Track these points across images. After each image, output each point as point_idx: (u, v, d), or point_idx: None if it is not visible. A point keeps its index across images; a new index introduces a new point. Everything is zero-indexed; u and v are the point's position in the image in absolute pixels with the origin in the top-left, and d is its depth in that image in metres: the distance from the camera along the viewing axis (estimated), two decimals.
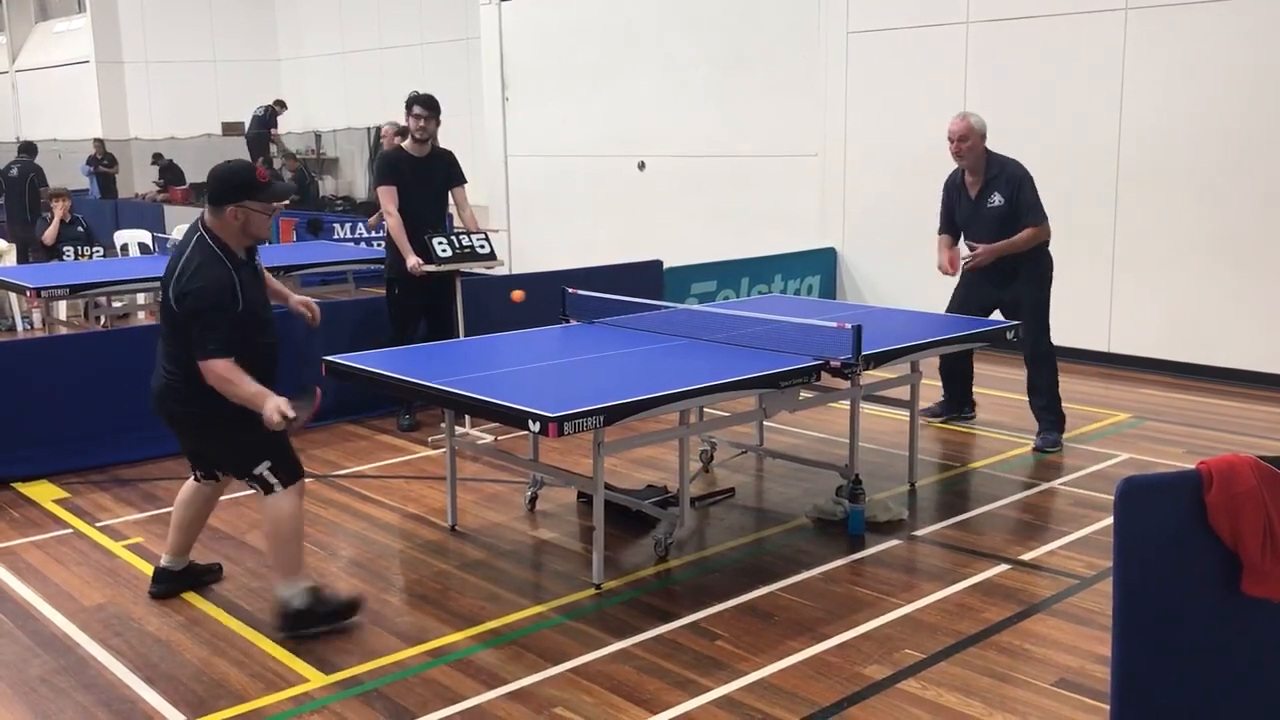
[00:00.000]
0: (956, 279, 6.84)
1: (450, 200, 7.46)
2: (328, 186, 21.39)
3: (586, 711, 3.76)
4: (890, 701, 3.80)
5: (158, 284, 9.44)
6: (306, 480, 4.53)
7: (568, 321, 6.18)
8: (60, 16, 25.70)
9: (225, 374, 4.15)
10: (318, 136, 22.01)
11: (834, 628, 4.33)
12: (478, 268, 7.14)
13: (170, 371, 4.33)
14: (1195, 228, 8.35)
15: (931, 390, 7.00)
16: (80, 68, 23.30)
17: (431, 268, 6.80)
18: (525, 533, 5.47)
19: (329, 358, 5.15)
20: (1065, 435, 6.70)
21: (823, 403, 5.98)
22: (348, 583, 4.84)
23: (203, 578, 4.84)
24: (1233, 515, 2.61)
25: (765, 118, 11.17)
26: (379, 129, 11.84)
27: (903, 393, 5.94)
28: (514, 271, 12.32)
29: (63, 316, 9.92)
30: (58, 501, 6.02)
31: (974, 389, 7.25)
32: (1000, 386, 7.72)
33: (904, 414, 6.09)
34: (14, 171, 13.39)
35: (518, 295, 6.30)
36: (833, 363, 4.99)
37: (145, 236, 13.07)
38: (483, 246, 6.98)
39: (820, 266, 10.53)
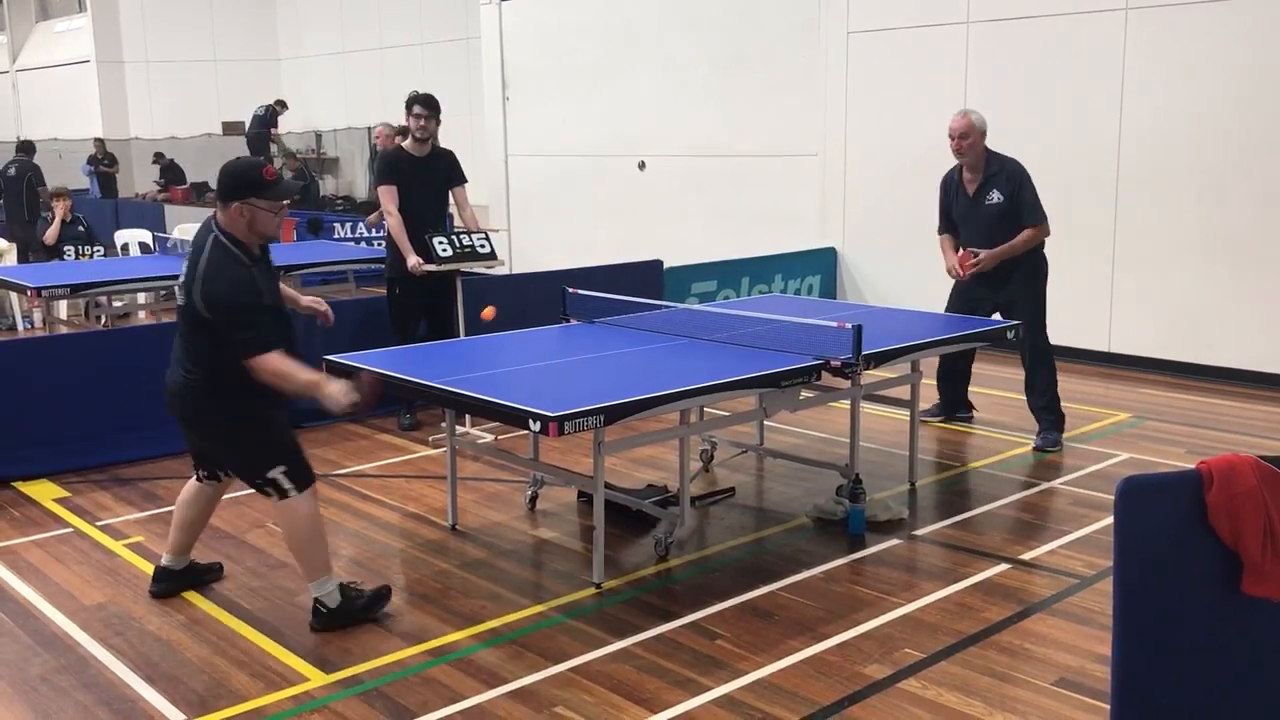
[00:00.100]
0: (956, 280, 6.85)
1: (451, 200, 7.47)
2: (328, 186, 21.40)
3: (587, 711, 3.76)
4: (890, 701, 3.80)
5: (158, 283, 9.59)
6: None
7: (568, 321, 6.18)
8: (61, 16, 25.70)
9: (277, 367, 4.14)
10: (318, 136, 22.02)
11: (834, 627, 4.33)
12: (478, 267, 7.14)
13: (190, 371, 4.30)
14: (1195, 227, 8.35)
15: (932, 390, 7.01)
16: (81, 67, 23.30)
17: (432, 267, 6.80)
18: (526, 532, 5.48)
19: (329, 357, 5.15)
20: (1065, 435, 6.71)
21: (823, 402, 5.99)
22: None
23: (203, 577, 4.84)
24: (1233, 515, 2.61)
25: (765, 117, 11.17)
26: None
27: (903, 392, 5.94)
28: (514, 271, 12.33)
29: (63, 316, 9.92)
30: (58, 501, 6.02)
31: (974, 389, 7.25)
32: (1000, 386, 7.72)
33: (904, 414, 6.09)
34: (12, 171, 13.39)
35: (488, 313, 6.19)
36: (833, 362, 4.99)
37: (146, 236, 13.06)
38: (483, 246, 6.98)
39: (820, 266, 10.53)
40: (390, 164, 7.25)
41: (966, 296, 6.73)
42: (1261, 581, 2.65)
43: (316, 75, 22.40)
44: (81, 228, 11.47)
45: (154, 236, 12.31)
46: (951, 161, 6.72)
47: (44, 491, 6.16)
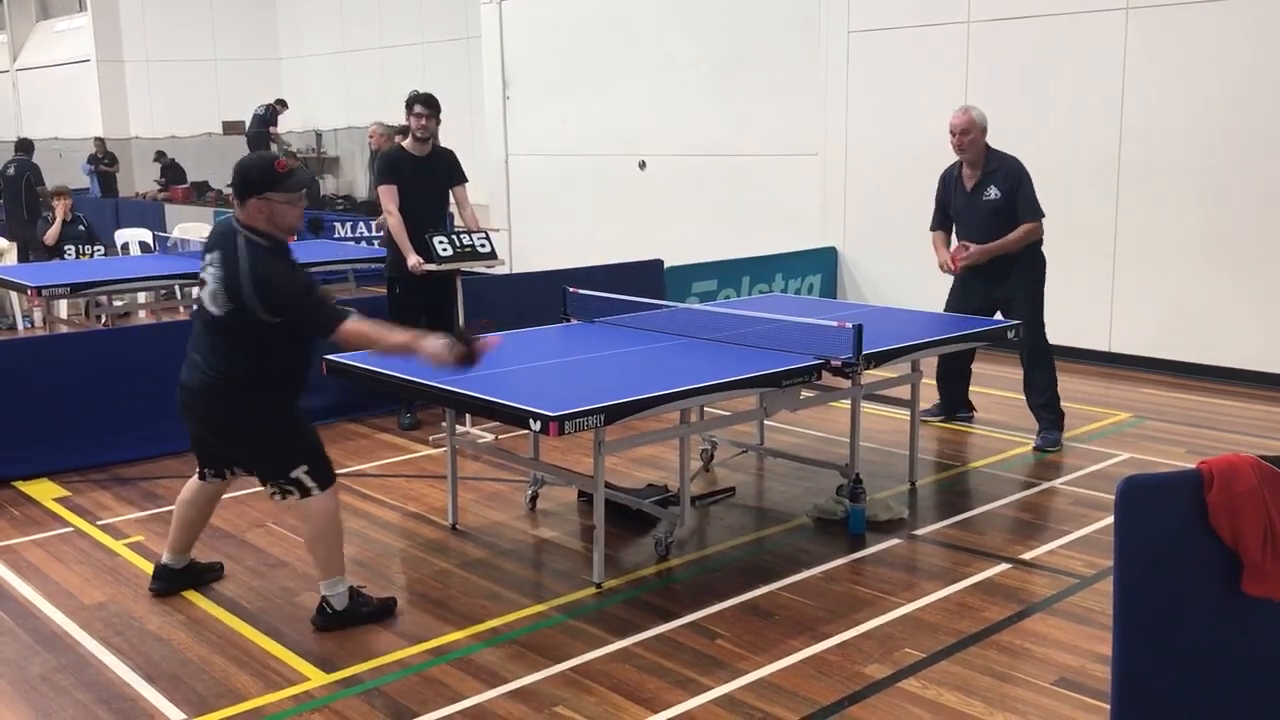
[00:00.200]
0: (953, 279, 6.86)
1: (451, 199, 7.47)
2: (328, 185, 21.39)
3: (587, 710, 3.76)
4: (891, 701, 3.80)
5: (158, 283, 9.57)
6: None
7: (569, 321, 6.18)
8: (61, 15, 25.68)
9: (363, 330, 4.15)
10: (318, 135, 22.02)
11: (834, 627, 4.33)
12: (478, 267, 7.14)
13: (217, 372, 4.25)
14: (1195, 227, 8.35)
15: (932, 390, 7.01)
16: (81, 66, 23.29)
17: (432, 266, 6.80)
18: (526, 532, 5.48)
19: (329, 357, 5.15)
20: (1066, 435, 6.70)
21: (823, 402, 5.99)
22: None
23: (204, 576, 4.84)
24: (1233, 515, 2.61)
25: (766, 117, 11.17)
26: None
27: (903, 392, 5.94)
28: (514, 270, 12.33)
29: (63, 315, 9.93)
30: (58, 500, 6.02)
31: (974, 388, 7.25)
32: (1000, 386, 7.72)
33: (904, 413, 6.09)
34: (11, 170, 13.39)
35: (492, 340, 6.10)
36: (833, 362, 4.99)
37: (146, 235, 13.07)
38: (483, 245, 6.98)
39: (821, 266, 10.53)
40: (390, 163, 7.25)
41: (965, 296, 6.74)
42: (1262, 581, 2.65)
43: (317, 74, 22.39)
44: (82, 227, 11.47)
45: (154, 236, 12.32)
46: (952, 158, 6.73)
47: (44, 491, 6.16)
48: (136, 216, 16.06)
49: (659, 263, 9.16)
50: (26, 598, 4.75)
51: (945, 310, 6.79)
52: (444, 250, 6.77)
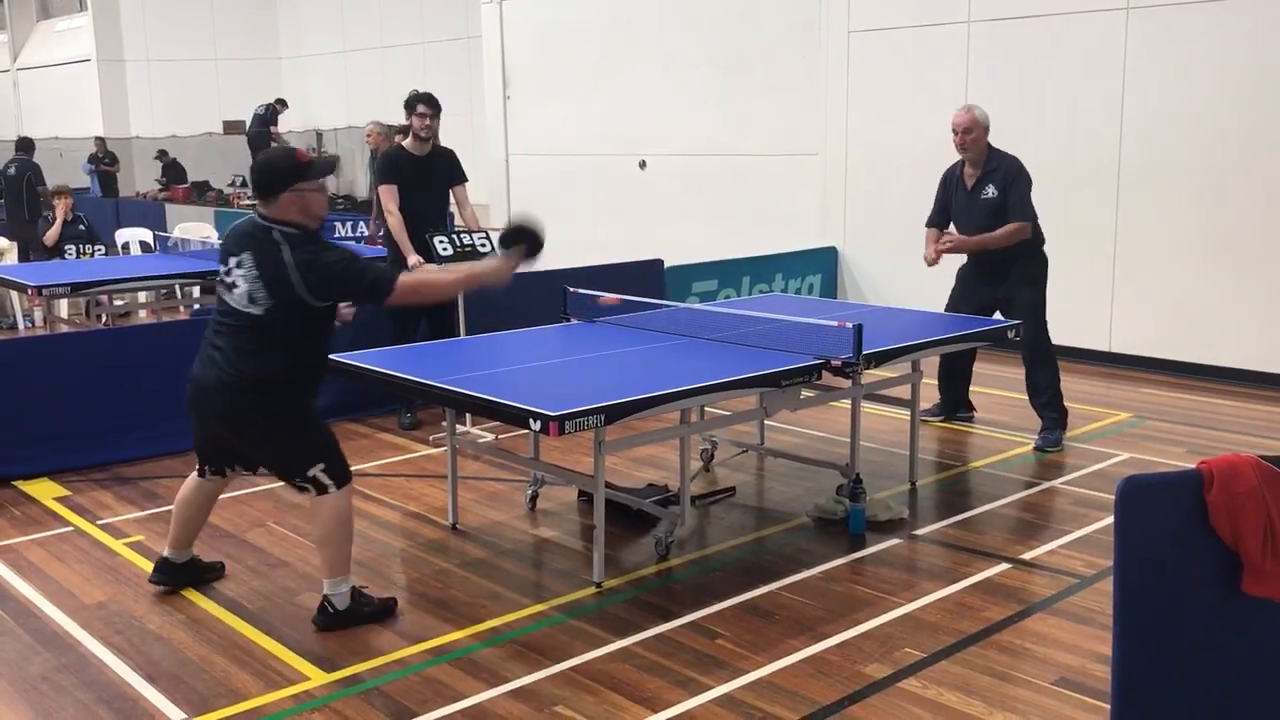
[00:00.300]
0: (954, 277, 6.86)
1: (451, 199, 7.47)
2: (329, 185, 21.38)
3: (587, 710, 3.77)
4: (891, 700, 3.80)
5: (159, 282, 9.57)
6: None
7: (568, 320, 6.18)
8: (62, 15, 25.70)
9: (415, 282, 4.33)
10: (319, 135, 22.01)
11: (834, 626, 4.33)
12: None
13: (240, 371, 4.24)
14: (1196, 227, 8.35)
15: (933, 390, 7.00)
16: (81, 66, 23.30)
17: (433, 266, 6.80)
18: (526, 531, 5.48)
19: (331, 356, 5.14)
20: (1066, 435, 6.70)
21: (824, 402, 6.00)
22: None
23: (204, 575, 4.84)
24: (1233, 515, 2.62)
25: (766, 117, 11.17)
26: None
27: (904, 392, 5.94)
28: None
29: (64, 315, 9.93)
30: (59, 499, 6.02)
31: (974, 388, 7.25)
32: (1000, 386, 7.72)
33: (905, 413, 6.09)
34: (12, 170, 13.39)
35: (610, 299, 6.19)
36: (834, 362, 4.99)
37: (147, 235, 13.07)
38: (483, 245, 6.98)
39: (821, 265, 10.53)
40: (391, 163, 7.25)
41: (966, 296, 6.75)
42: (1262, 581, 2.65)
43: (317, 74, 22.40)
44: (82, 226, 11.47)
45: (155, 235, 12.32)
46: (954, 159, 6.74)
47: (45, 490, 6.16)
48: (137, 216, 16.05)
49: (659, 262, 9.16)
50: (27, 597, 4.76)
51: (946, 310, 6.79)
52: (444, 250, 6.77)
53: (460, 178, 7.41)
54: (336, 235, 13.69)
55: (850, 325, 4.99)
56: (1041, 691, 3.85)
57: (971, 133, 6.52)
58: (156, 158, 21.13)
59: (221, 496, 4.84)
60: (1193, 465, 2.68)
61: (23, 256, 12.36)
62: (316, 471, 4.33)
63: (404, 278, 4.32)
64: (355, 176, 21.31)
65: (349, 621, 4.38)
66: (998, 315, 6.60)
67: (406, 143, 7.33)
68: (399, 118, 7.78)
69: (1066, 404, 6.73)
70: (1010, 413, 7.25)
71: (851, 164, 10.41)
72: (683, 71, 11.85)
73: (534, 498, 5.76)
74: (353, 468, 6.40)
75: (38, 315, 11.12)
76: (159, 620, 4.51)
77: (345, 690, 3.92)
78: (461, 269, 4.31)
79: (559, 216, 13.23)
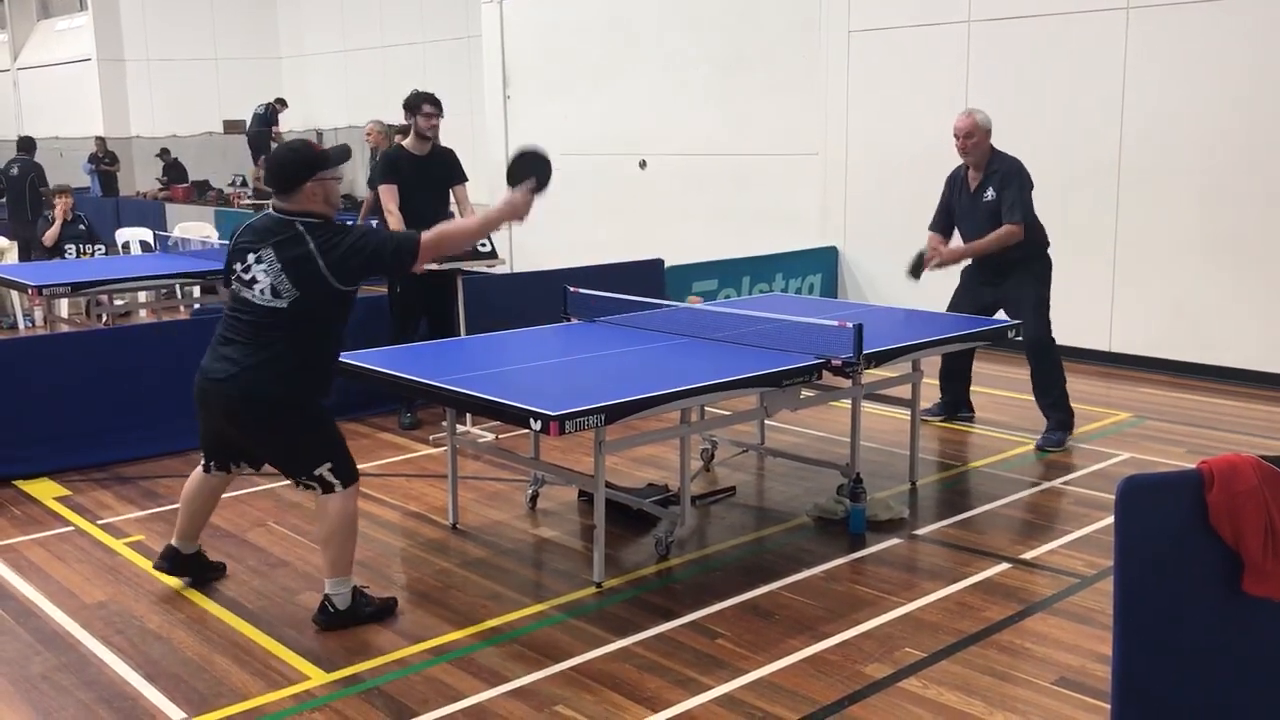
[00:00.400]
0: (958, 279, 6.86)
1: (451, 198, 7.46)
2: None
3: (587, 710, 3.77)
4: (891, 700, 3.80)
5: (159, 282, 9.57)
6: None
7: (569, 320, 6.18)
8: (62, 14, 25.69)
9: (436, 236, 4.41)
10: (319, 135, 22.00)
11: (835, 626, 4.33)
12: (479, 266, 7.14)
13: (254, 368, 4.24)
14: (1196, 227, 8.35)
15: (933, 390, 7.00)
16: (82, 65, 23.30)
17: (433, 266, 6.78)
18: (526, 531, 5.48)
19: (340, 356, 5.14)
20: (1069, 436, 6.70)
21: (824, 401, 5.99)
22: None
23: (207, 571, 4.84)
24: (1234, 514, 2.62)
25: (766, 117, 11.17)
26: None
27: (904, 391, 5.94)
28: (515, 270, 12.33)
29: (64, 314, 9.93)
30: (59, 499, 6.02)
31: (975, 388, 7.25)
32: (1001, 386, 7.72)
33: (905, 413, 6.09)
34: (15, 170, 13.39)
35: (694, 300, 6.26)
36: (834, 361, 4.99)
37: (147, 234, 13.07)
38: (484, 245, 6.98)
39: (821, 265, 10.53)
40: (391, 162, 7.25)
41: (969, 296, 6.75)
42: (1262, 581, 2.65)
43: (318, 74, 22.39)
44: (82, 226, 11.48)
45: (155, 235, 12.32)
46: (955, 158, 6.75)
47: (45, 490, 6.16)
48: (137, 216, 16.06)
49: (659, 262, 9.16)
50: (27, 597, 4.76)
51: (949, 310, 6.79)
52: None
53: (460, 177, 7.41)
54: None
55: (850, 325, 4.99)
56: (1042, 691, 3.85)
57: (973, 137, 6.53)
58: (158, 155, 21.13)
59: (221, 496, 4.83)
60: (1193, 465, 2.68)
61: (23, 256, 12.37)
62: (323, 470, 4.33)
63: (425, 235, 4.37)
64: (355, 175, 21.31)
65: (350, 621, 4.38)
66: (1001, 315, 6.60)
67: (406, 142, 7.33)
68: (399, 117, 7.78)
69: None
70: (1010, 413, 7.25)
71: (851, 164, 10.41)
72: (683, 71, 11.85)
73: (534, 497, 5.76)
74: None
75: (38, 315, 11.13)
76: (159, 620, 4.51)
77: (345, 690, 3.92)
78: (480, 217, 4.41)
79: (559, 216, 13.28)
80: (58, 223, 11.24)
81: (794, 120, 10.87)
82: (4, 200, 13.75)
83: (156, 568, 4.77)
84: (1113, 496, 2.63)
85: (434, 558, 5.15)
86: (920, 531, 5.36)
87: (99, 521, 5.67)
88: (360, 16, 20.83)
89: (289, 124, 21.05)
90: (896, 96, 9.97)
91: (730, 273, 9.83)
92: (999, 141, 6.68)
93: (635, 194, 12.47)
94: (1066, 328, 7.17)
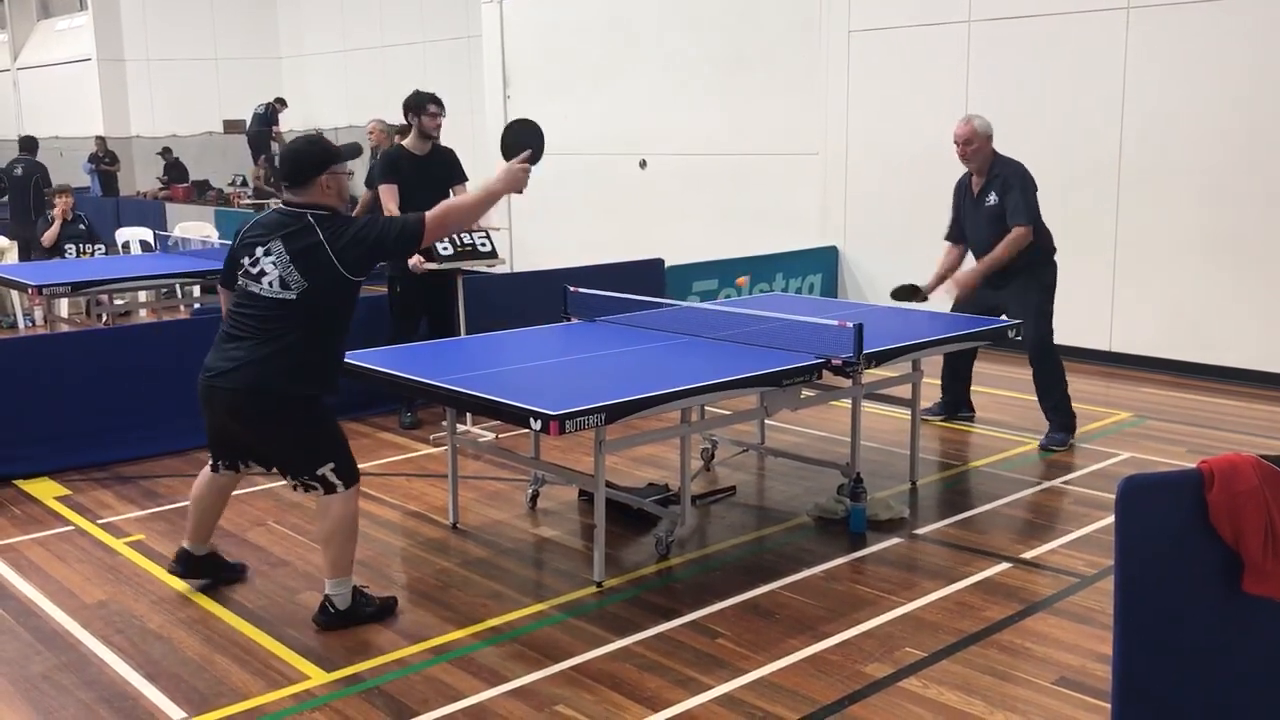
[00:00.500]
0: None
1: (451, 197, 7.45)
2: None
3: (588, 709, 3.77)
4: (891, 700, 3.80)
5: (159, 282, 9.57)
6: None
7: (569, 320, 6.18)
8: (62, 14, 25.69)
9: (441, 213, 4.44)
10: (319, 134, 22.00)
11: (835, 626, 4.33)
12: (479, 266, 7.14)
13: (258, 361, 4.24)
14: (1196, 227, 8.35)
15: (933, 389, 7.00)
16: (82, 65, 23.30)
17: (433, 265, 6.80)
18: (527, 530, 5.48)
19: (345, 356, 5.13)
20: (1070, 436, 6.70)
21: (824, 401, 5.99)
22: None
23: (223, 572, 4.81)
24: (1234, 514, 2.62)
25: (766, 116, 11.17)
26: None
27: (904, 391, 5.94)
28: (515, 270, 12.33)
29: (64, 314, 9.93)
30: (59, 499, 6.02)
31: (976, 388, 7.25)
32: (1001, 386, 7.72)
33: (905, 412, 6.10)
34: (18, 171, 13.39)
35: (741, 281, 6.23)
36: (834, 361, 4.99)
37: (147, 234, 13.07)
38: (484, 244, 6.98)
39: (821, 265, 10.53)
40: (391, 162, 7.25)
41: (972, 297, 6.74)
42: (1262, 581, 2.65)
43: (318, 74, 22.39)
44: (83, 226, 11.48)
45: (155, 235, 12.32)
46: (955, 158, 6.74)
47: (45, 489, 6.16)
48: (137, 215, 16.06)
49: (660, 262, 9.16)
50: (27, 596, 4.76)
51: (953, 310, 6.78)
52: (444, 249, 6.77)
53: (460, 177, 7.41)
54: None
55: (851, 324, 4.99)
56: (1042, 691, 3.85)
57: (972, 144, 6.53)
58: (160, 154, 21.13)
59: (230, 495, 4.82)
60: (1193, 465, 2.68)
61: (24, 256, 12.36)
62: (326, 470, 4.33)
63: (429, 215, 4.40)
64: (355, 174, 21.32)
65: (350, 621, 4.38)
66: (1003, 316, 6.60)
67: (407, 142, 7.33)
68: (399, 117, 7.77)
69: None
70: (1011, 413, 7.25)
71: (851, 164, 10.41)
72: (683, 71, 11.85)
73: (534, 497, 5.76)
74: None
75: (38, 315, 11.13)
76: (159, 619, 4.51)
77: (346, 689, 3.93)
78: (479, 193, 4.48)
79: (560, 215, 13.32)
80: (57, 223, 11.24)
81: (794, 120, 10.87)
82: (5, 200, 13.74)
83: (170, 571, 4.75)
84: (1113, 496, 2.63)
85: (434, 557, 5.15)
86: (920, 531, 5.36)
87: (99, 521, 5.67)
88: (360, 16, 20.83)
89: (289, 124, 21.04)
90: (896, 96, 9.97)
91: (730, 273, 9.81)
92: (1000, 142, 6.67)
93: (635, 194, 12.47)
94: (1067, 328, 7.17)
